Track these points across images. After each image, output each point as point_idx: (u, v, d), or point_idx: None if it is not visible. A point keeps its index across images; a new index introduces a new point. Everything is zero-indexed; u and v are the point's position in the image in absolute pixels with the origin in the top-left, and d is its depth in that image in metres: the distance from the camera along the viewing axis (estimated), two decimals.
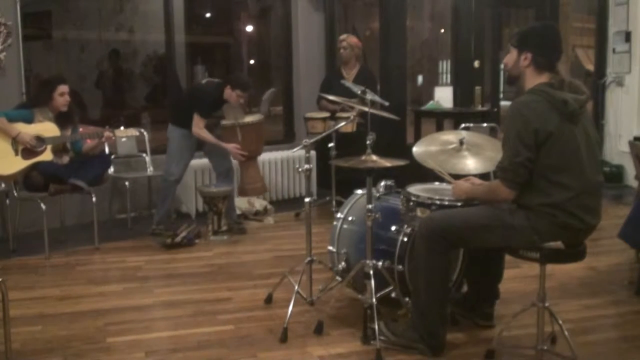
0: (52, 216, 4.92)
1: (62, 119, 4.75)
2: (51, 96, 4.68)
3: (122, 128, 4.87)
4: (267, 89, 8.45)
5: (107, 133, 4.72)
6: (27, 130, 4.58)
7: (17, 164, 4.56)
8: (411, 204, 3.13)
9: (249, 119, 5.11)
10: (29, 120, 4.63)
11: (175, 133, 5.11)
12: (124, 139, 4.99)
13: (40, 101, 4.72)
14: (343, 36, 5.98)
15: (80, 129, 4.87)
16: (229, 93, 4.96)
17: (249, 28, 10.59)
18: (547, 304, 2.85)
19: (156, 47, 8.52)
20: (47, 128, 4.66)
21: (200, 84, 5.43)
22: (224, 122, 5.08)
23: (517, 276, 3.94)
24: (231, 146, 5.01)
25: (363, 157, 3.11)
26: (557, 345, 3.03)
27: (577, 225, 2.68)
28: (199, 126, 5.01)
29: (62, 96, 4.70)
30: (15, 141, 4.55)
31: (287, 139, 6.88)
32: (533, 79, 2.77)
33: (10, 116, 4.58)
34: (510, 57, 2.86)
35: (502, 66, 7.74)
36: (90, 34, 8.40)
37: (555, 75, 2.75)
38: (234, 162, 5.26)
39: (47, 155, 4.63)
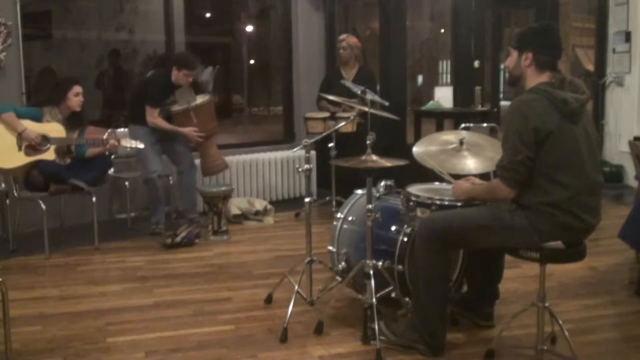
0: (52, 216, 4.92)
1: (72, 121, 4.79)
2: (65, 96, 4.72)
3: (127, 135, 4.88)
4: (269, 87, 8.43)
5: (111, 141, 4.74)
6: (34, 128, 4.61)
7: (18, 159, 4.58)
8: (411, 204, 3.13)
9: (199, 100, 5.13)
10: (38, 119, 4.67)
11: (139, 132, 5.09)
12: (128, 149, 5.01)
13: (53, 100, 4.76)
14: (342, 36, 5.98)
15: (89, 128, 4.89)
16: (176, 74, 4.99)
17: (249, 28, 10.60)
18: (547, 304, 2.85)
19: (156, 47, 8.51)
20: (54, 129, 4.68)
21: (146, 77, 5.42)
22: (176, 108, 5.10)
23: (517, 276, 3.94)
24: (188, 130, 5.05)
25: (363, 157, 3.11)
26: (557, 345, 3.03)
27: (577, 225, 2.68)
28: (153, 115, 5.06)
29: (76, 96, 4.75)
30: (20, 137, 4.58)
31: (287, 139, 6.88)
32: (534, 79, 2.77)
33: (19, 112, 4.63)
34: (511, 59, 2.86)
35: (502, 66, 7.77)
36: (90, 34, 8.40)
37: (556, 74, 2.75)
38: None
39: (49, 155, 4.65)
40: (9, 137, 4.57)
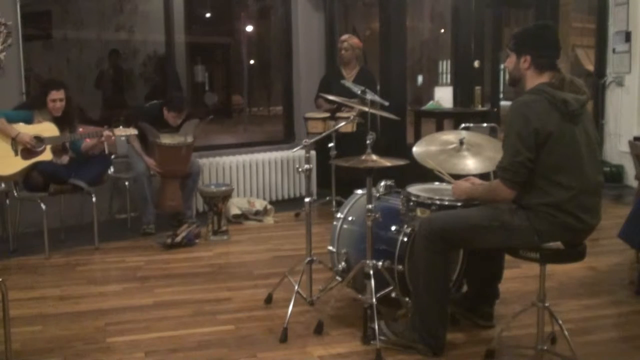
0: (52, 216, 4.92)
1: (60, 122, 4.77)
2: (45, 100, 4.71)
3: (120, 127, 4.90)
4: (269, 87, 8.44)
5: (106, 132, 4.74)
6: (27, 130, 4.59)
7: (17, 164, 4.57)
8: (411, 204, 3.13)
9: (166, 140, 5.12)
10: (29, 121, 4.65)
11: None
12: (122, 138, 5.04)
13: (35, 105, 4.76)
14: (344, 37, 5.97)
15: (80, 129, 4.88)
16: (166, 114, 5.22)
17: (249, 28, 10.61)
18: (547, 304, 2.85)
19: (156, 47, 8.53)
20: (47, 128, 4.67)
21: (144, 106, 5.63)
22: (149, 136, 5.16)
23: (517, 276, 3.94)
24: (149, 161, 5.18)
25: (363, 157, 3.11)
26: (557, 345, 3.03)
27: (576, 225, 2.68)
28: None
29: (53, 102, 4.70)
30: (14, 141, 4.56)
31: (287, 139, 6.88)
32: (534, 80, 2.77)
33: (9, 117, 4.60)
34: (510, 61, 2.86)
35: (502, 66, 7.78)
36: (90, 34, 8.41)
37: (557, 74, 2.75)
38: None
39: (46, 155, 4.64)
40: (3, 143, 4.54)
